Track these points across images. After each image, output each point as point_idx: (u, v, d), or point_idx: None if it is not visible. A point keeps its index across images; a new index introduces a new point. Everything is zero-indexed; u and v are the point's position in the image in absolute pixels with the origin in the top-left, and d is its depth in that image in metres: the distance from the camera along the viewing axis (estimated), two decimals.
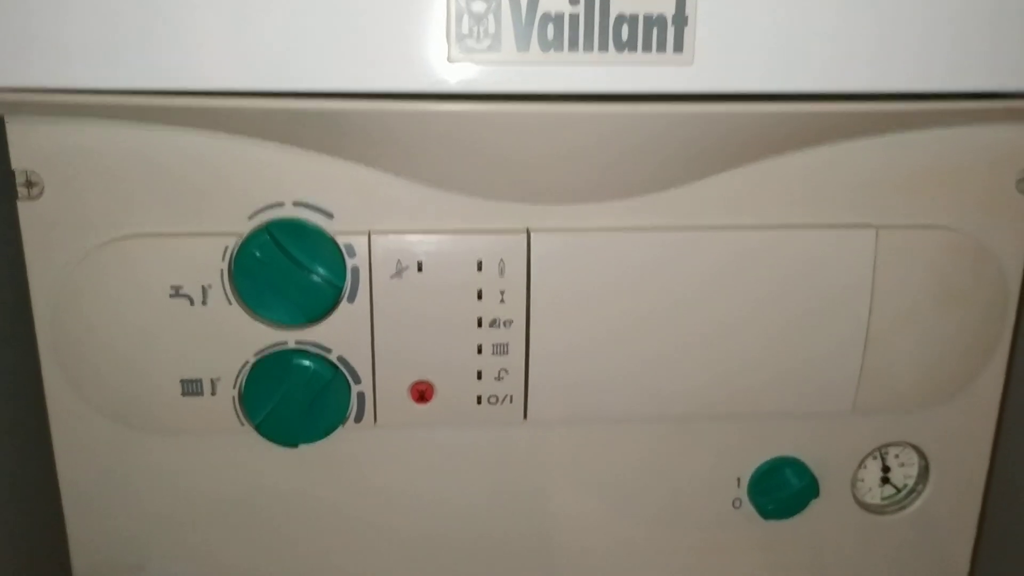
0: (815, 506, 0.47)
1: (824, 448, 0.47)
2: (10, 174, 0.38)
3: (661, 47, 0.35)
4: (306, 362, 0.40)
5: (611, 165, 0.39)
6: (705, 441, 0.46)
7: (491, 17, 0.34)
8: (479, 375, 0.42)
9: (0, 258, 0.41)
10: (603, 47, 0.34)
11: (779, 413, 0.45)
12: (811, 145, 0.41)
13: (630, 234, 0.41)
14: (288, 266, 0.39)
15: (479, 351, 0.42)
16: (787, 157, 0.41)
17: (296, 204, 0.39)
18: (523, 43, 0.34)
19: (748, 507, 0.47)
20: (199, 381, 0.41)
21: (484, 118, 0.36)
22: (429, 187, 0.40)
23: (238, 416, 0.41)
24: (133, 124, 0.38)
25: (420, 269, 0.40)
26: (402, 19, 0.34)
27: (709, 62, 0.35)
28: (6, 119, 0.37)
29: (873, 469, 0.48)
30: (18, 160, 0.38)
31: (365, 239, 0.40)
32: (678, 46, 0.35)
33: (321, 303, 0.40)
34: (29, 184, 0.38)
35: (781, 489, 0.46)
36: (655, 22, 0.34)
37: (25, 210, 0.38)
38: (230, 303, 0.40)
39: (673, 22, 0.34)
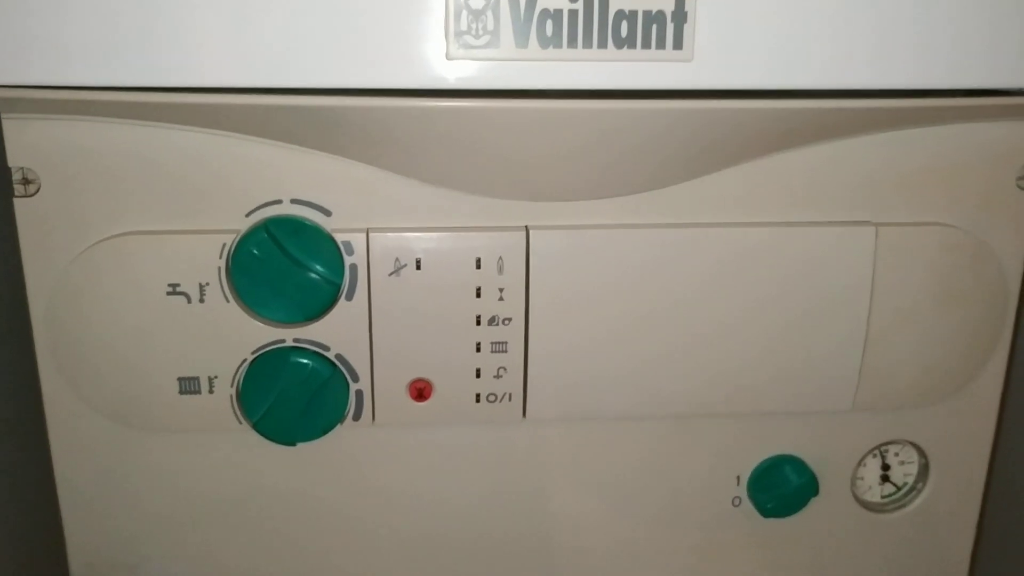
0: (815, 504, 0.46)
1: (824, 446, 0.46)
2: (7, 171, 0.38)
3: (661, 44, 0.35)
4: (304, 360, 0.40)
5: (610, 162, 0.39)
6: (705, 439, 0.46)
7: (489, 13, 0.34)
8: (478, 373, 0.42)
9: None
10: (602, 44, 0.34)
11: (779, 411, 0.45)
12: (811, 142, 0.41)
13: (629, 231, 0.41)
14: (286, 264, 0.39)
15: (478, 349, 0.41)
16: (787, 154, 0.41)
17: (294, 202, 0.39)
18: (522, 40, 0.34)
19: (748, 505, 0.47)
20: (196, 379, 0.41)
21: (483, 115, 0.36)
22: (427, 184, 0.40)
23: (236, 414, 0.41)
24: (130, 122, 0.37)
25: (418, 267, 0.40)
26: (400, 16, 0.34)
27: (709, 59, 0.35)
28: (2, 116, 0.37)
29: (873, 467, 0.48)
30: (15, 157, 0.38)
31: (363, 237, 0.39)
32: (678, 43, 0.35)
33: (319, 301, 0.40)
34: (26, 181, 0.38)
35: (781, 487, 0.46)
36: (655, 19, 0.34)
37: (22, 208, 0.38)
38: (228, 301, 0.40)
39: (673, 19, 0.34)
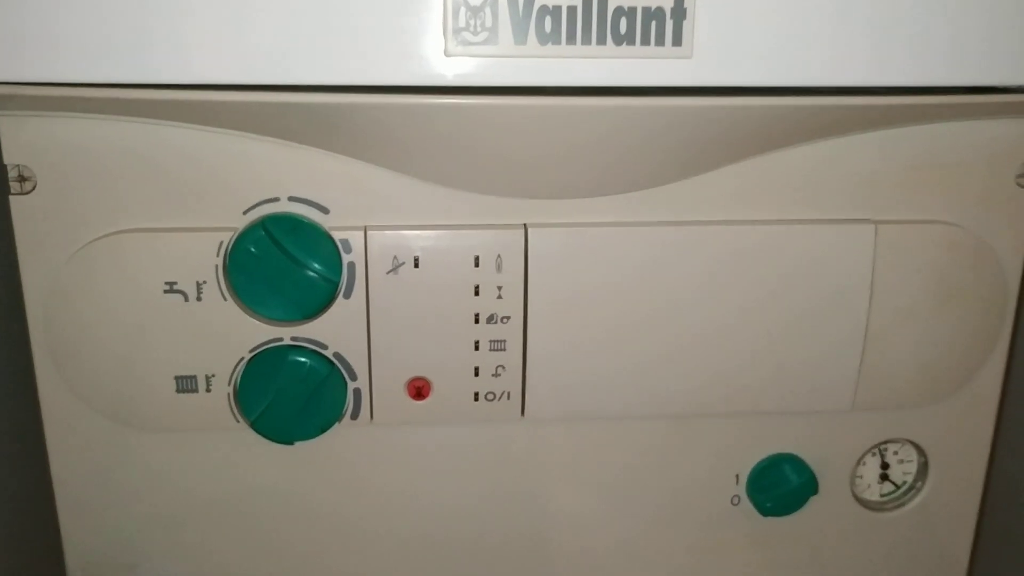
0: (814, 503, 0.46)
1: (823, 445, 0.46)
2: (2, 169, 0.37)
3: (660, 41, 0.34)
4: (302, 358, 0.40)
5: (609, 160, 0.39)
6: (704, 438, 0.45)
7: (488, 10, 0.34)
8: (476, 372, 0.42)
9: None
10: (601, 40, 0.34)
11: (778, 410, 0.45)
12: (810, 140, 0.41)
13: (628, 229, 0.41)
14: (283, 262, 0.38)
15: (476, 347, 0.41)
16: (786, 152, 0.41)
17: (292, 199, 0.39)
18: (520, 36, 0.34)
19: (747, 504, 0.47)
20: (193, 378, 0.40)
21: (481, 112, 0.36)
22: (426, 182, 0.39)
23: (233, 413, 0.41)
24: (127, 119, 0.37)
25: (416, 265, 0.40)
26: (398, 12, 0.34)
27: (708, 56, 0.35)
28: None
29: (872, 466, 0.48)
30: (10, 155, 0.37)
31: (361, 234, 0.39)
32: (677, 40, 0.34)
33: (317, 299, 0.39)
34: (21, 179, 0.38)
35: (780, 486, 0.46)
36: (654, 15, 0.34)
37: (17, 205, 0.38)
38: (225, 299, 0.39)
39: (672, 15, 0.34)
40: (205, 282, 0.39)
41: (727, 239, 0.41)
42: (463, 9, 0.34)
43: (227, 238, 0.39)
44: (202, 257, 0.39)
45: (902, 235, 0.42)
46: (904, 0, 0.36)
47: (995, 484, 0.50)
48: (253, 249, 0.38)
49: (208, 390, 0.41)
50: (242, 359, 0.40)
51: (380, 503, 0.45)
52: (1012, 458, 0.50)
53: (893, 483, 0.48)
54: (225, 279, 0.39)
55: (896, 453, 0.48)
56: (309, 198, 0.39)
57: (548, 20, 0.34)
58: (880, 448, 0.47)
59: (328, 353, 0.41)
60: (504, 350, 0.42)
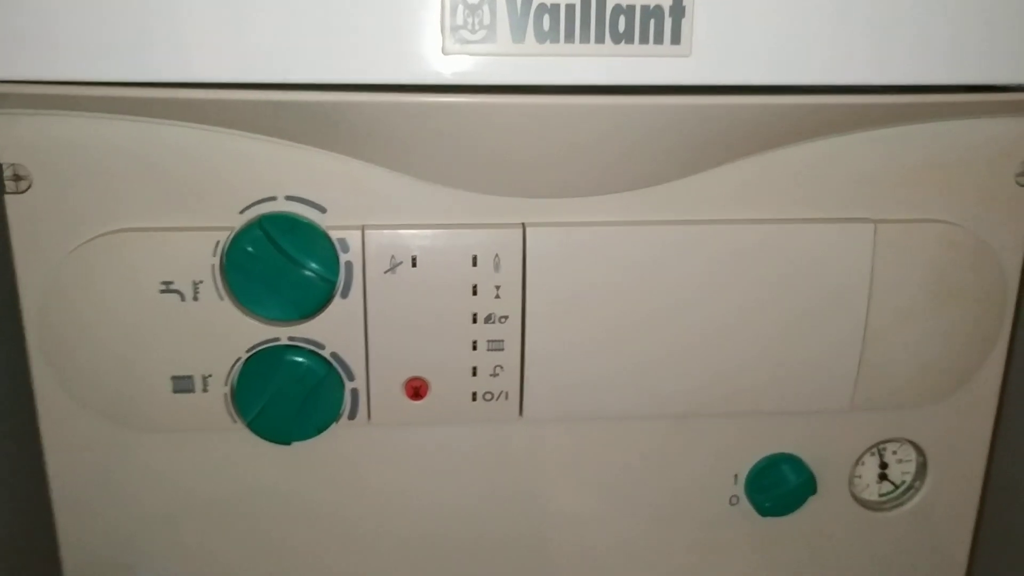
0: (813, 503, 0.46)
1: (821, 445, 0.46)
2: None
3: (659, 39, 0.34)
4: (299, 358, 0.40)
5: (608, 159, 0.39)
6: (702, 438, 0.45)
7: (486, 8, 0.34)
8: (474, 372, 0.42)
9: None
10: (600, 39, 0.34)
11: (776, 410, 0.44)
12: (809, 138, 0.41)
13: (626, 228, 0.41)
14: (281, 261, 0.38)
15: (474, 347, 0.41)
16: (785, 151, 0.41)
17: (289, 198, 0.39)
18: (519, 34, 0.34)
19: (745, 504, 0.46)
20: (190, 378, 0.40)
21: (479, 111, 0.36)
22: (423, 181, 0.39)
23: (230, 413, 0.41)
24: (123, 117, 0.37)
25: (414, 264, 0.40)
26: (396, 10, 0.33)
27: (707, 54, 0.35)
28: None
29: (871, 466, 0.48)
30: (6, 154, 0.37)
31: (359, 234, 0.39)
32: (676, 38, 0.34)
33: (314, 298, 0.39)
34: (17, 178, 0.37)
35: (778, 486, 0.46)
36: (652, 13, 0.34)
37: (13, 204, 0.38)
38: (221, 299, 0.39)
39: (671, 13, 0.34)
40: (202, 282, 0.39)
41: (725, 238, 0.41)
42: (461, 7, 0.33)
43: (224, 237, 0.39)
44: (199, 256, 0.39)
45: (901, 234, 0.42)
46: None
47: (994, 484, 0.50)
48: (250, 248, 0.38)
49: (205, 390, 0.40)
50: (239, 359, 0.40)
51: (378, 503, 0.44)
52: (1011, 458, 0.50)
53: (892, 483, 0.48)
54: (222, 278, 0.39)
55: (895, 453, 0.48)
56: (306, 197, 0.39)
57: (546, 18, 0.34)
58: (879, 448, 0.47)
59: (325, 353, 0.40)
60: (502, 350, 0.41)
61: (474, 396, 0.42)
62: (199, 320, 0.39)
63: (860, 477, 0.48)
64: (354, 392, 0.41)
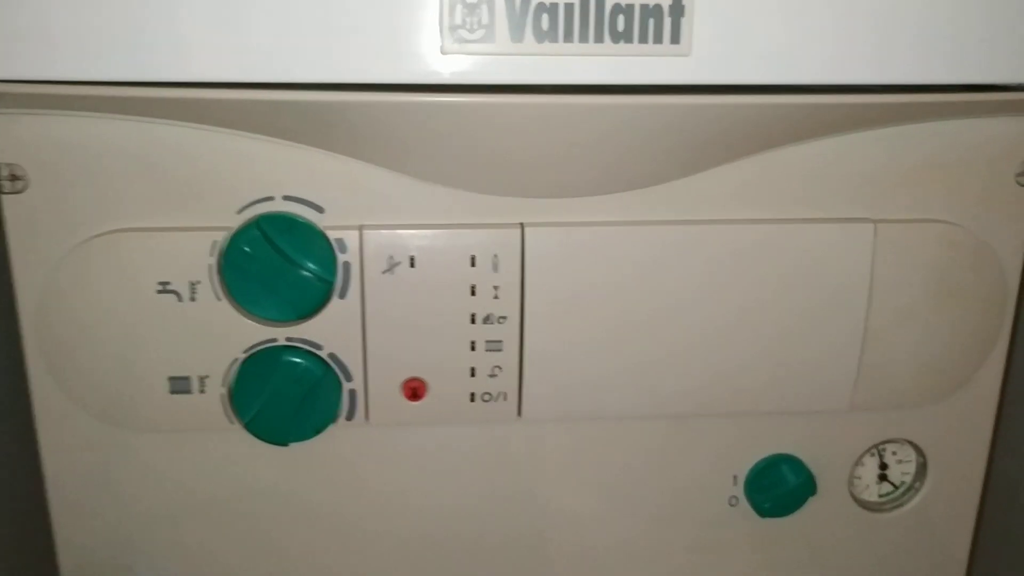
0: (812, 504, 0.46)
1: (821, 445, 0.46)
2: None
3: (658, 38, 0.34)
4: (296, 359, 0.40)
5: (607, 159, 0.39)
6: (701, 439, 0.45)
7: (485, 7, 0.34)
8: (472, 372, 0.41)
9: None
10: (599, 38, 0.34)
11: (776, 410, 0.44)
12: (809, 138, 0.40)
13: (625, 228, 0.41)
14: (278, 261, 0.38)
15: (472, 348, 0.41)
16: (785, 150, 0.41)
17: (286, 198, 0.39)
18: (517, 34, 0.34)
19: (745, 505, 0.46)
20: (187, 379, 0.40)
21: (478, 111, 0.36)
22: (421, 181, 0.39)
23: (227, 414, 0.41)
24: (120, 117, 0.37)
25: (412, 264, 0.39)
26: (394, 9, 0.33)
27: (707, 54, 0.35)
28: None
29: (870, 466, 0.48)
30: (2, 154, 0.37)
31: (356, 234, 0.39)
32: (675, 37, 0.34)
33: (312, 299, 0.39)
34: (13, 178, 0.37)
35: (778, 487, 0.46)
36: (652, 12, 0.34)
37: (9, 204, 0.38)
38: (219, 299, 0.39)
39: (670, 13, 0.34)
40: (199, 282, 0.39)
41: (725, 238, 0.41)
42: (459, 6, 0.33)
43: (221, 237, 0.38)
44: (196, 257, 0.39)
45: (901, 234, 0.42)
46: None
47: (994, 484, 0.50)
48: (247, 249, 0.38)
49: (202, 391, 0.40)
50: (236, 360, 0.40)
51: (376, 504, 0.44)
52: (1011, 458, 0.50)
53: (892, 483, 0.48)
54: (219, 279, 0.39)
55: (895, 453, 0.48)
56: (304, 197, 0.39)
57: (545, 18, 0.34)
58: (879, 448, 0.47)
59: (323, 354, 0.40)
60: (501, 350, 0.41)
61: (472, 397, 0.42)
62: (196, 320, 0.39)
63: (860, 478, 0.48)
64: (352, 393, 0.41)
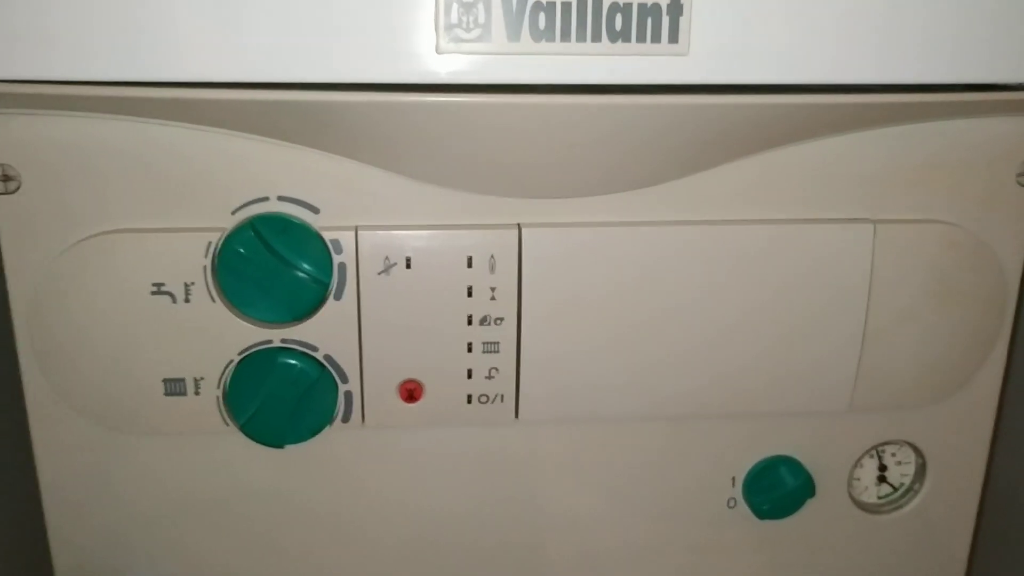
0: (811, 506, 0.46)
1: (820, 447, 0.46)
2: None
3: (656, 37, 0.34)
4: (292, 361, 0.40)
5: (604, 159, 0.38)
6: (699, 440, 0.45)
7: (481, 6, 0.33)
8: (469, 374, 0.41)
9: None
10: (596, 37, 0.34)
11: (775, 412, 0.44)
12: (808, 138, 0.40)
13: (623, 229, 0.40)
14: (273, 262, 0.38)
15: (469, 349, 0.41)
16: (784, 151, 0.40)
17: (281, 199, 0.39)
18: (514, 33, 0.33)
19: (743, 507, 0.46)
20: (182, 381, 0.40)
21: (474, 110, 0.35)
22: (417, 181, 0.39)
23: (222, 416, 0.41)
24: (114, 117, 0.37)
25: (408, 265, 0.39)
26: (389, 8, 0.33)
27: (705, 53, 0.34)
28: None
29: (870, 468, 0.48)
30: None
31: (352, 235, 0.39)
32: (673, 36, 0.34)
33: (307, 300, 0.39)
34: (6, 179, 0.37)
35: (776, 489, 0.45)
36: (650, 11, 0.34)
37: (2, 205, 0.37)
38: (213, 300, 0.39)
39: (668, 12, 0.34)
40: (193, 283, 0.39)
41: (723, 239, 0.41)
42: (455, 5, 0.33)
43: (215, 238, 0.38)
44: (190, 258, 0.38)
45: (901, 234, 0.42)
46: None
47: (994, 486, 0.50)
48: (242, 250, 0.38)
49: (197, 393, 0.40)
50: (231, 362, 0.40)
51: (373, 507, 0.44)
52: (1011, 460, 0.49)
53: (891, 485, 0.48)
54: (213, 280, 0.39)
55: (894, 455, 0.47)
56: (299, 197, 0.39)
57: (542, 17, 0.33)
58: (878, 450, 0.47)
59: (319, 355, 0.40)
60: (498, 352, 0.41)
61: (469, 399, 0.42)
62: (191, 322, 0.39)
63: (859, 479, 0.48)
64: (348, 395, 0.41)
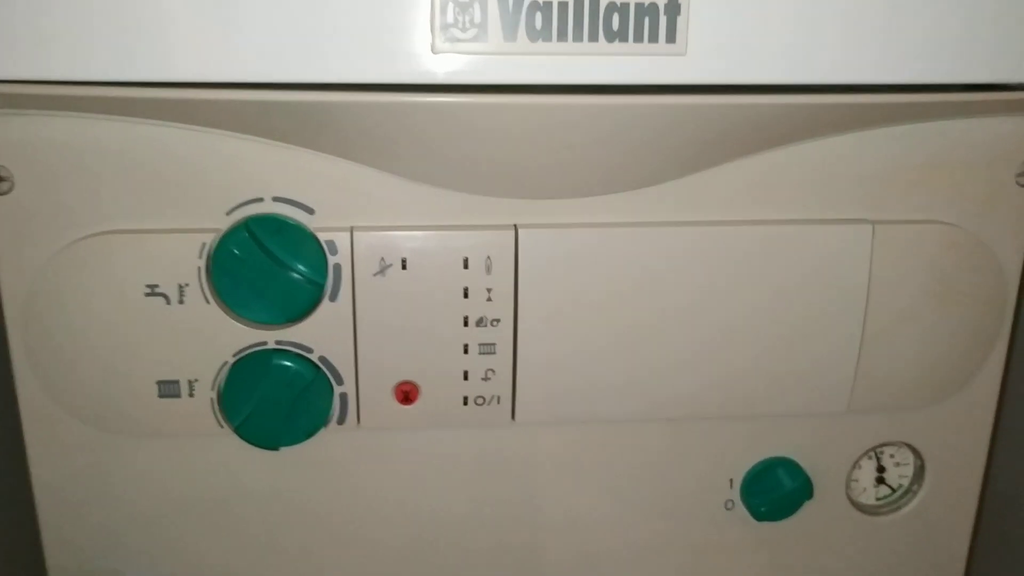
0: (809, 507, 0.46)
1: (818, 448, 0.46)
2: None
3: (653, 37, 0.34)
4: (287, 362, 0.39)
5: (601, 159, 0.38)
6: (697, 442, 0.45)
7: (477, 6, 0.33)
8: (465, 375, 0.41)
9: None
10: (593, 37, 0.34)
11: (773, 413, 0.44)
12: (806, 139, 0.40)
13: (620, 230, 0.40)
14: (268, 264, 0.38)
15: (465, 351, 0.41)
16: (782, 151, 0.40)
17: (276, 200, 0.38)
18: (510, 33, 0.33)
19: (741, 509, 0.46)
20: (176, 382, 0.40)
21: (470, 110, 0.35)
22: (413, 182, 0.39)
23: (217, 418, 0.40)
24: (108, 117, 0.36)
25: (404, 267, 0.39)
26: (384, 8, 0.33)
27: (702, 53, 0.34)
28: None
29: (868, 469, 0.47)
30: None
31: (347, 235, 0.39)
32: (671, 36, 0.34)
33: (302, 302, 0.39)
34: None
35: (774, 490, 0.45)
36: (647, 11, 0.33)
37: None
38: (208, 302, 0.39)
39: (665, 11, 0.34)
40: (187, 284, 0.38)
41: (721, 239, 0.41)
42: (451, 5, 0.33)
43: (210, 239, 0.38)
44: (184, 259, 0.38)
45: (900, 235, 0.42)
46: None
47: (992, 487, 0.49)
48: (236, 251, 0.38)
49: (191, 395, 0.40)
50: (226, 363, 0.40)
51: (368, 509, 0.44)
52: (1010, 461, 0.49)
53: (889, 486, 0.48)
54: (208, 281, 0.38)
55: (892, 456, 0.47)
56: (294, 198, 0.38)
57: (538, 16, 0.33)
58: (876, 451, 0.47)
59: (313, 357, 0.40)
60: (494, 353, 0.41)
61: (465, 400, 0.42)
62: (185, 324, 0.39)
63: (857, 481, 0.47)
64: (343, 396, 0.41)
